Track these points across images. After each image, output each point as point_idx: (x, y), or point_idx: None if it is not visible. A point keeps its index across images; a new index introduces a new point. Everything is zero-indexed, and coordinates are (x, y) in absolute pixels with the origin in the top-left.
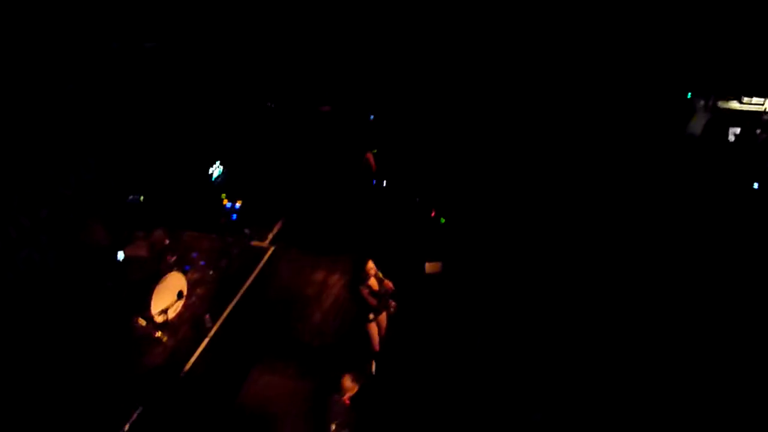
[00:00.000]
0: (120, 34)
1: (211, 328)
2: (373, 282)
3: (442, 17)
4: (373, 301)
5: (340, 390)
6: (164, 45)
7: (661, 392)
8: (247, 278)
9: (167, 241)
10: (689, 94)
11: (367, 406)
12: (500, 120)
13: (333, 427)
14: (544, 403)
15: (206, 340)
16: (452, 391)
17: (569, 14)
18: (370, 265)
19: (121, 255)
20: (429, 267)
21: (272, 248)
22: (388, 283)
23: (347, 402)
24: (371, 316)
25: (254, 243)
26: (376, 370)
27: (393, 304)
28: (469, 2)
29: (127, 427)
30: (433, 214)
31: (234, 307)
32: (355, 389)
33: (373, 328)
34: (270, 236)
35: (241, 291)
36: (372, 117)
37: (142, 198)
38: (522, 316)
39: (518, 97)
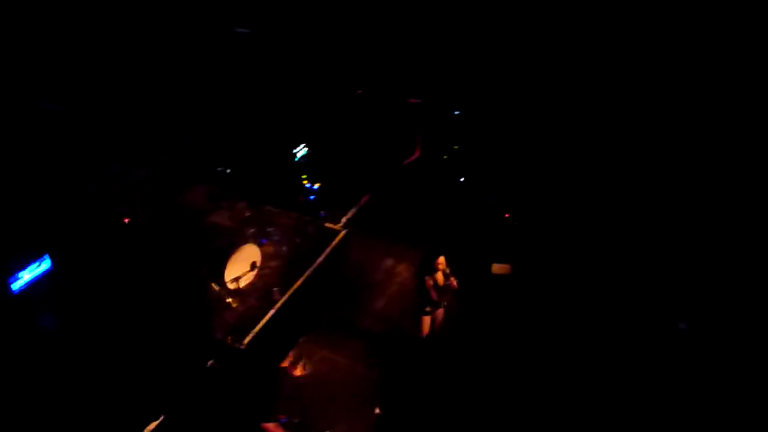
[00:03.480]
0: (215, 17)
1: (278, 300)
2: (439, 276)
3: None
4: (434, 294)
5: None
6: (257, 31)
7: None
8: (318, 257)
9: (248, 214)
10: None
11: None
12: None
13: (377, 410)
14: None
15: (272, 311)
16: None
17: None
18: (441, 259)
19: None
20: (496, 268)
21: (344, 231)
22: (454, 281)
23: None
24: (428, 308)
25: (328, 224)
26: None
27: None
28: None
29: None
30: (507, 216)
31: (302, 283)
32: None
33: (426, 321)
34: (344, 220)
35: (311, 269)
36: (457, 112)
37: (229, 170)
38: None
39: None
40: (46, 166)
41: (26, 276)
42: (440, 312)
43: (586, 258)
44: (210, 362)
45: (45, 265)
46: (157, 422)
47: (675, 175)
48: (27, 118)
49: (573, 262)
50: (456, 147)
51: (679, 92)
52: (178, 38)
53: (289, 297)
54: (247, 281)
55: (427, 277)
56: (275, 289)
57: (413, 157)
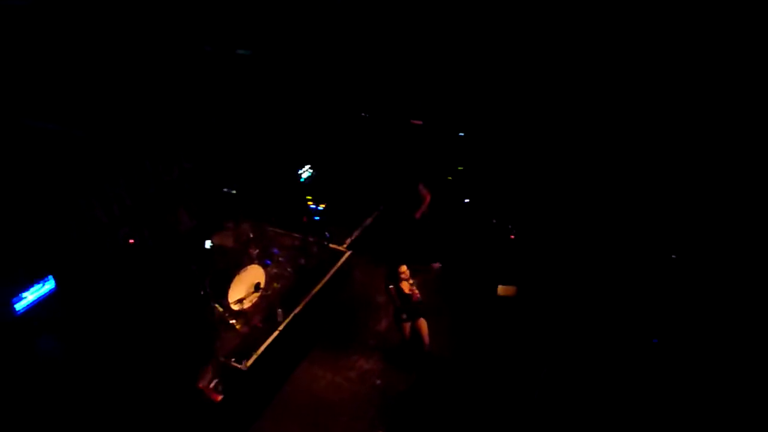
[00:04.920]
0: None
1: (281, 322)
2: (404, 285)
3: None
4: (398, 300)
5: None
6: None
7: None
8: (322, 278)
9: (252, 235)
10: None
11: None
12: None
13: None
14: None
15: (276, 333)
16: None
17: None
18: (403, 268)
19: (208, 243)
20: (502, 290)
21: (349, 252)
22: (416, 292)
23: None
24: (404, 316)
25: (332, 245)
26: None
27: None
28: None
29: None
30: (512, 237)
31: (306, 304)
32: None
33: (407, 327)
34: (348, 241)
35: (315, 290)
36: (462, 134)
37: (234, 191)
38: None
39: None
40: (49, 187)
41: (30, 297)
42: (422, 321)
43: (591, 278)
44: (213, 383)
45: (49, 285)
46: None
47: (679, 195)
48: (26, 138)
49: (578, 283)
50: (460, 168)
51: (680, 109)
52: (178, 61)
53: (293, 318)
54: (251, 303)
55: (390, 286)
56: (279, 310)
57: (424, 207)
